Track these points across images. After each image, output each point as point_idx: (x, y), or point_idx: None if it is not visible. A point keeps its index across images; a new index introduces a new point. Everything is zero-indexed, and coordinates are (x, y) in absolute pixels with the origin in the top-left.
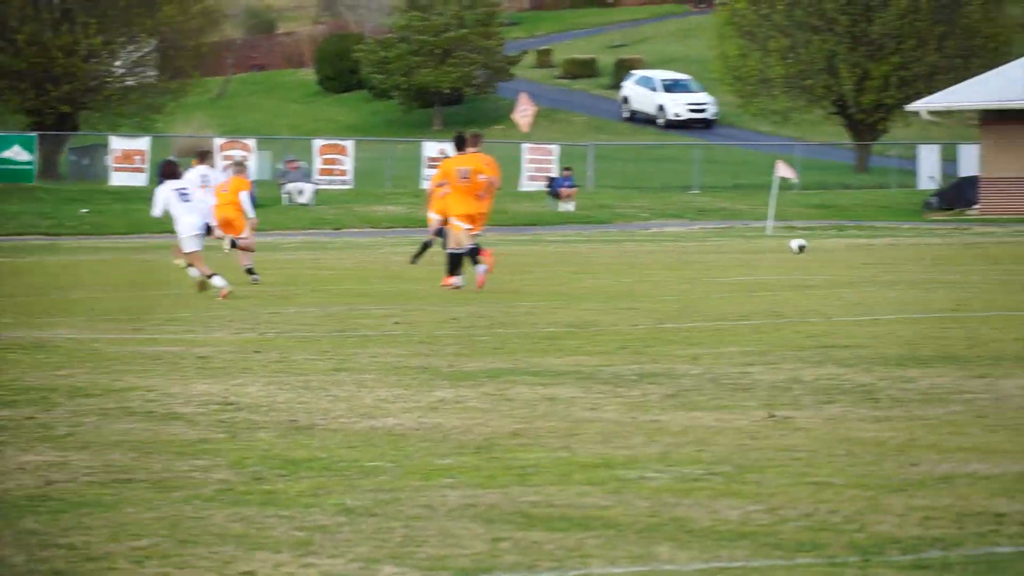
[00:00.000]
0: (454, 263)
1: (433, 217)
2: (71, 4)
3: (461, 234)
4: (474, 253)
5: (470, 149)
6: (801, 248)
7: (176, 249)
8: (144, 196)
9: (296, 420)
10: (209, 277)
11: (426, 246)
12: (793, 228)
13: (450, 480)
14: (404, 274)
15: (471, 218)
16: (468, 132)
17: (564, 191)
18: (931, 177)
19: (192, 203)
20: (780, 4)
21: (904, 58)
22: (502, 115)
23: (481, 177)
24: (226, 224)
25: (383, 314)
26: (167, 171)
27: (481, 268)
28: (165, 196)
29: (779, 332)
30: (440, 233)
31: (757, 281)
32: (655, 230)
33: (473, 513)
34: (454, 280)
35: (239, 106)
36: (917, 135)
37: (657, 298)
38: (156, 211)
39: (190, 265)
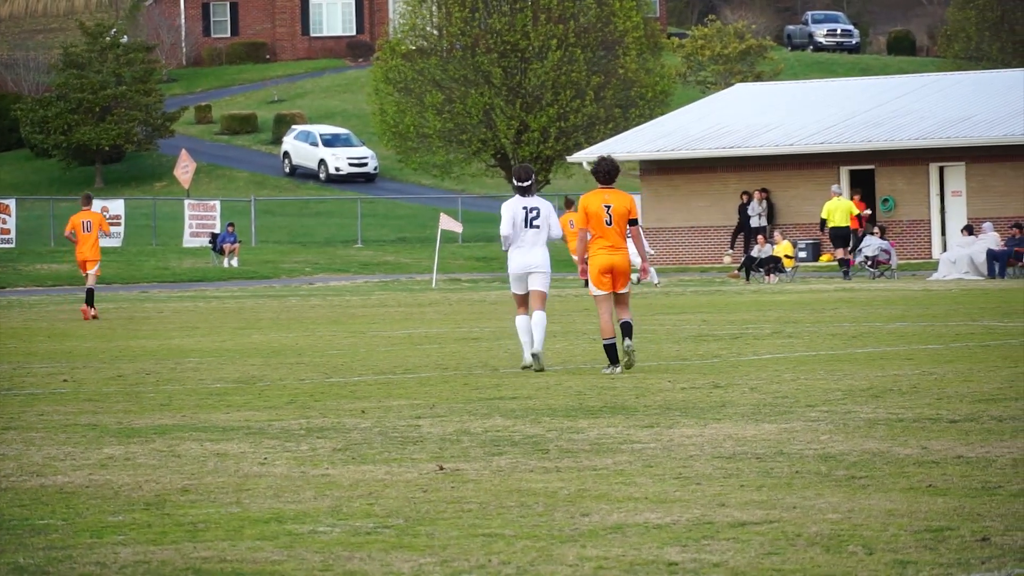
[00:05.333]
0: None
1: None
2: None
3: None
4: None
5: None
6: None
7: None
8: None
9: None
10: None
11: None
12: (459, 280)
13: (122, 537)
14: (71, 332)
15: None
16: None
17: (227, 247)
18: None
19: None
20: (434, 59)
21: (562, 109)
22: (163, 172)
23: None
24: None
25: (49, 372)
26: None
27: None
28: None
29: (446, 384)
30: None
31: (423, 334)
32: (320, 284)
33: (145, 570)
34: None
35: None
36: (579, 186)
37: (323, 352)
38: None
39: None
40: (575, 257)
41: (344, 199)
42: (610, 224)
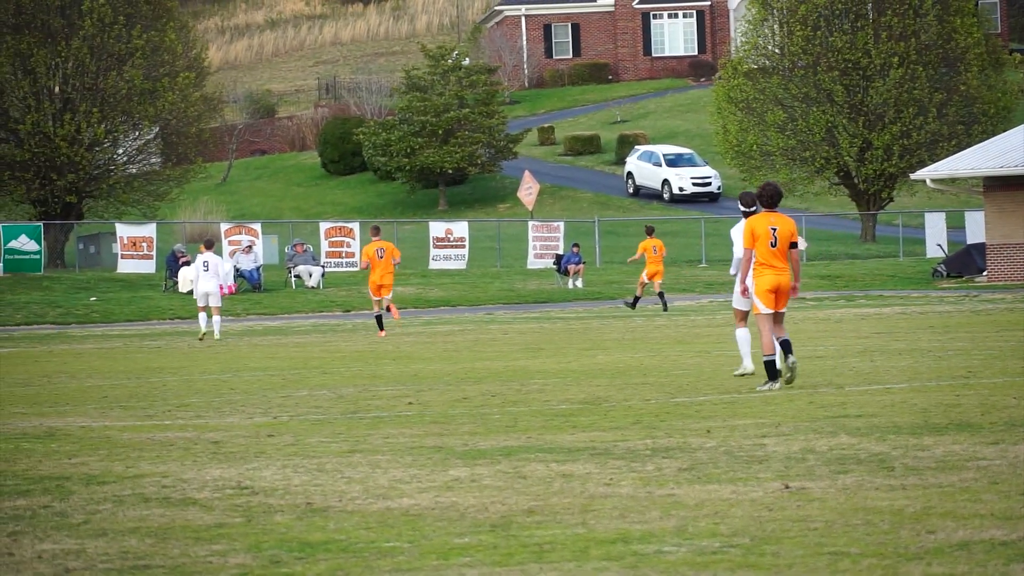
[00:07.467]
0: None
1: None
2: (72, 94)
3: None
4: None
5: None
6: None
7: None
8: (152, 283)
9: (312, 502)
10: None
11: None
12: (803, 299)
13: (468, 559)
14: (416, 354)
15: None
16: None
17: (572, 267)
18: (938, 245)
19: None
20: (776, 77)
21: (905, 126)
22: (507, 193)
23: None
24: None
25: (395, 395)
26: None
27: None
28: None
29: (792, 403)
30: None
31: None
32: None
33: None
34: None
35: (243, 191)
36: (923, 203)
37: (669, 372)
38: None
39: None
40: (645, 279)
41: (688, 219)
42: (775, 246)
